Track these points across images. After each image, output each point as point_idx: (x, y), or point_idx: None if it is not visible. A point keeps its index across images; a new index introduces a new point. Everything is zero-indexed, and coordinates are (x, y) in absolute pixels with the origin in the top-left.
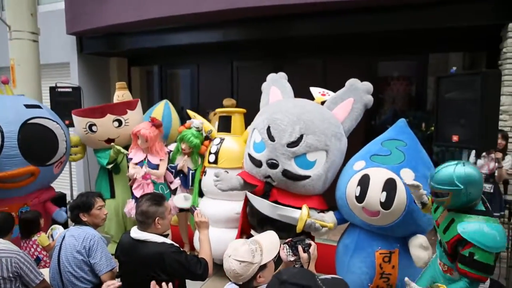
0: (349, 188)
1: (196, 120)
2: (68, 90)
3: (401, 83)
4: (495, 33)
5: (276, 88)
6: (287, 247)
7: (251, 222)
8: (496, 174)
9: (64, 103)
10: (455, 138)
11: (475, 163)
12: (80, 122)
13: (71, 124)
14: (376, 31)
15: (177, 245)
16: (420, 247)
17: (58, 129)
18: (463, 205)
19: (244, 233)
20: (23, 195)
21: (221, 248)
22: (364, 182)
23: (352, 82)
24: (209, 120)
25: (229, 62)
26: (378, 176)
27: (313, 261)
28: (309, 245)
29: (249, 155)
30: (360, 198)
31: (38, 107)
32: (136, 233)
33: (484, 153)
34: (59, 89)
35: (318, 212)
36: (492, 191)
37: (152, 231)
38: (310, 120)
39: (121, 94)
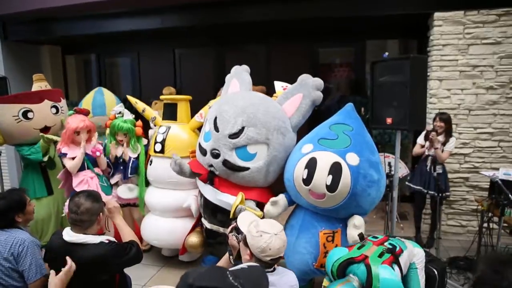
0: (297, 170)
1: (116, 107)
2: None
3: (343, 69)
4: (424, 22)
5: (236, 80)
6: (234, 232)
7: (201, 211)
8: (435, 155)
9: None
10: (389, 120)
11: (423, 145)
12: (10, 109)
13: None
14: (317, 17)
15: (113, 239)
16: (353, 227)
17: None
18: None
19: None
20: None
21: (172, 238)
22: (311, 165)
23: (303, 78)
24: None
25: (171, 50)
26: (325, 159)
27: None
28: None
29: (199, 144)
30: (307, 180)
31: None
32: (70, 236)
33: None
34: None
35: (256, 205)
36: (441, 171)
37: (92, 229)
38: (253, 113)
39: (44, 85)
